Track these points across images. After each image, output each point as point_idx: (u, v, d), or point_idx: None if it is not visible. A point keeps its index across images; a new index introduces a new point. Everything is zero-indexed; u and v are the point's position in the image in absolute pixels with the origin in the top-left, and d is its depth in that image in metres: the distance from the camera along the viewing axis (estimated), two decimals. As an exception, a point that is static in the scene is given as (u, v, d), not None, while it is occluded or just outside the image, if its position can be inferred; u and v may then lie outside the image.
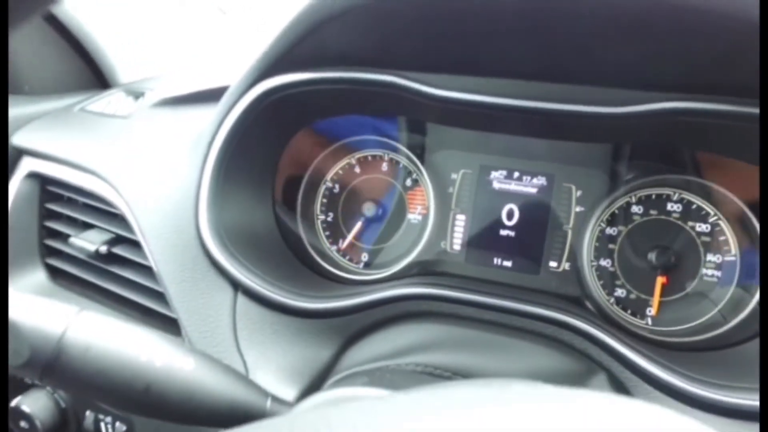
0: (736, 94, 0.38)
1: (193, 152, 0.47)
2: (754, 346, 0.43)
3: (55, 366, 0.28)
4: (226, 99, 0.47)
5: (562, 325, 0.41)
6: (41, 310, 0.29)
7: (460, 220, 0.53)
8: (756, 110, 0.37)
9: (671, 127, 0.42)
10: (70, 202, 0.55)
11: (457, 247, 0.53)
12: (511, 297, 0.43)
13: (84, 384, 0.29)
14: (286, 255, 0.53)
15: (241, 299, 0.44)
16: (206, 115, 0.49)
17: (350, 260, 0.56)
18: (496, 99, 0.42)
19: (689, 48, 0.35)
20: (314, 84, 0.44)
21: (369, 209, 0.55)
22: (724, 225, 0.48)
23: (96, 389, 0.29)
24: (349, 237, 0.55)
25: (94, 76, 0.69)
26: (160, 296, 0.47)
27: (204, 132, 0.48)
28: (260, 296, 0.43)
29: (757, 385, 0.37)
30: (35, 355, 0.28)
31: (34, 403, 0.50)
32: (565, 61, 0.40)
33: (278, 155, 0.53)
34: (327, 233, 0.57)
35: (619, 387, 0.40)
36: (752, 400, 0.36)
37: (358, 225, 0.55)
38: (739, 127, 0.40)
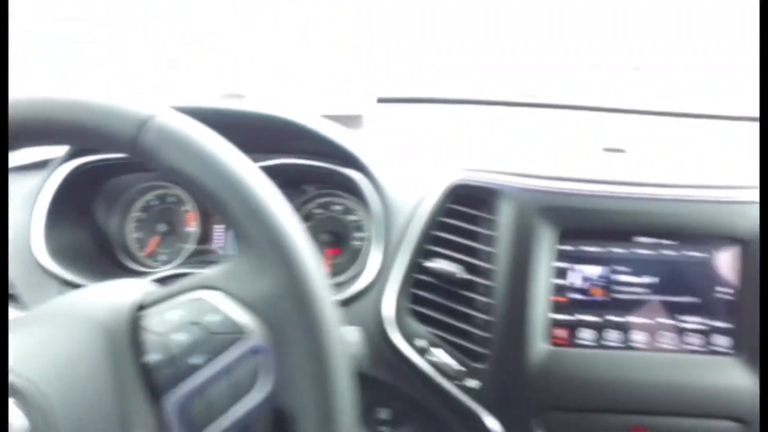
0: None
1: (27, 202, 0.78)
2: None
3: None
4: (49, 168, 0.79)
5: None
6: None
7: (219, 228, 0.88)
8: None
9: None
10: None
11: (218, 244, 0.88)
12: None
13: None
14: (104, 262, 0.85)
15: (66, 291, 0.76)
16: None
17: (154, 260, 0.89)
18: None
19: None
20: (98, 162, 0.77)
21: (161, 227, 0.88)
22: (363, 215, 0.84)
23: None
24: (150, 246, 0.89)
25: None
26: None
27: (33, 188, 0.79)
28: (77, 285, 0.75)
29: None
30: None
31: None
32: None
33: (93, 199, 0.85)
34: (137, 245, 0.89)
35: None
36: None
37: (156, 238, 0.89)
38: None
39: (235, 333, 0.40)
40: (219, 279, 0.42)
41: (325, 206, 0.86)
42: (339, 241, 0.84)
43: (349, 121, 1.03)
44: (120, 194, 0.88)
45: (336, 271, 0.83)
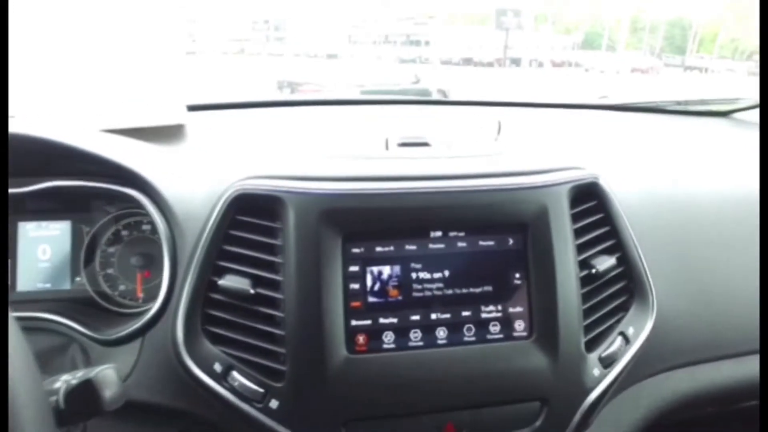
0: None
1: None
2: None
3: None
4: None
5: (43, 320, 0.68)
6: None
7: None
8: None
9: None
10: None
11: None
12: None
13: None
14: None
15: None
16: None
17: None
18: None
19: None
20: None
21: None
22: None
23: None
24: None
25: None
26: None
27: None
28: None
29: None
30: None
31: None
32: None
33: None
34: None
35: (84, 352, 0.67)
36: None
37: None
38: None
39: None
40: None
41: (133, 227, 0.78)
42: (152, 263, 0.77)
43: (171, 131, 0.96)
44: None
45: (153, 295, 0.76)
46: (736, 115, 1.28)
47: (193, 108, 1.01)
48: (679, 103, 1.36)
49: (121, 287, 0.78)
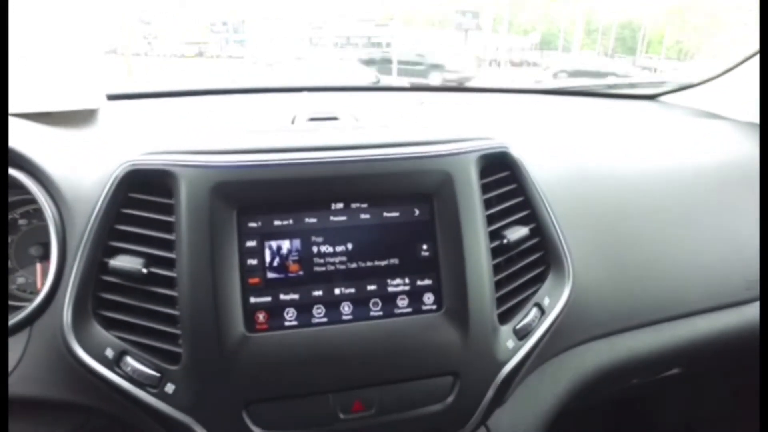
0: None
1: None
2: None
3: None
4: None
5: None
6: None
7: None
8: None
9: None
10: None
11: None
12: None
13: None
14: None
15: None
16: None
17: None
18: None
19: None
20: None
21: None
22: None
23: None
24: None
25: None
26: None
27: None
28: None
29: None
30: None
31: None
32: None
33: None
34: None
35: None
36: None
37: None
38: None
39: None
40: None
41: (32, 215, 0.74)
42: (45, 256, 0.72)
43: (84, 117, 0.93)
44: None
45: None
46: (663, 98, 1.32)
47: (113, 97, 0.97)
48: (609, 86, 1.40)
49: (20, 280, 0.73)
